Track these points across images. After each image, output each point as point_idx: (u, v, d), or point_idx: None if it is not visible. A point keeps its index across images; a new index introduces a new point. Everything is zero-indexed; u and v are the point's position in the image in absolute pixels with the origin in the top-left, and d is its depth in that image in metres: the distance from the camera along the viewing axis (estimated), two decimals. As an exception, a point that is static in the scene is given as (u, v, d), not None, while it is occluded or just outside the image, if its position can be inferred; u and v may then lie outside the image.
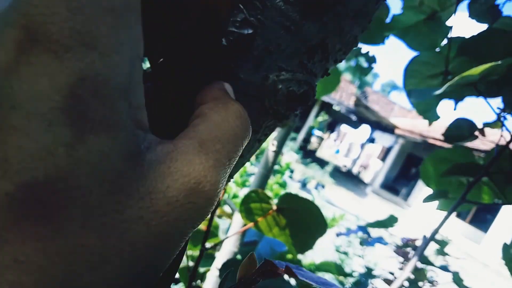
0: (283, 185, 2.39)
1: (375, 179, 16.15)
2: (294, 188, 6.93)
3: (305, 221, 0.65)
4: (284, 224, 0.65)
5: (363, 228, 1.49)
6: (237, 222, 1.01)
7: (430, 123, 1.14)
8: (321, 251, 3.03)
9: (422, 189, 12.44)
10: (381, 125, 15.67)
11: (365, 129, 19.53)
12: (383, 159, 18.02)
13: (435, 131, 10.32)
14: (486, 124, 1.33)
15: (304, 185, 8.01)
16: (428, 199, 1.07)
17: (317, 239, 0.70)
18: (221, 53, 0.24)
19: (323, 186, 8.26)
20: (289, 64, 0.26)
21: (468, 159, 1.17)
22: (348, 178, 15.21)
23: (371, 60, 1.44)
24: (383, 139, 18.71)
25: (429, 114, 1.13)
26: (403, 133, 13.92)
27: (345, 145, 25.81)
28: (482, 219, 11.14)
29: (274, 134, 1.04)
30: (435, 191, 1.06)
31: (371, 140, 19.85)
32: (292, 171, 8.05)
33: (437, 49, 1.23)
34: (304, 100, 0.27)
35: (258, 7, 0.24)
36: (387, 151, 18.14)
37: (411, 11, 1.22)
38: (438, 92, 0.78)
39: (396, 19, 1.21)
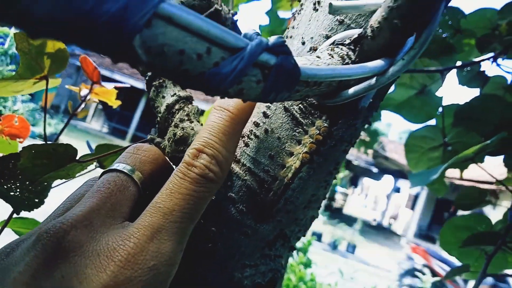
0: (308, 264, 2.33)
1: (408, 229, 15.57)
2: (322, 254, 6.74)
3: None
4: None
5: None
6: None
7: (438, 196, 1.14)
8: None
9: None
10: (404, 173, 15.40)
11: (388, 179, 19.20)
12: (412, 207, 17.49)
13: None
14: (499, 182, 1.32)
15: (334, 247, 7.77)
16: (450, 275, 1.04)
17: None
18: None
19: (354, 246, 7.99)
20: (252, 259, 0.29)
21: (485, 225, 1.16)
22: (379, 232, 14.71)
23: (374, 134, 1.47)
24: (409, 187, 18.27)
25: (436, 187, 1.14)
26: (428, 179, 13.55)
27: (371, 198, 25.26)
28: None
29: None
30: (457, 267, 1.03)
31: (397, 189, 19.42)
32: (320, 235, 7.87)
33: (434, 120, 1.26)
34: (272, 285, 0.29)
35: (216, 223, 0.28)
36: (414, 198, 17.66)
37: (402, 87, 1.27)
38: (434, 177, 0.80)
39: (389, 97, 1.26)
